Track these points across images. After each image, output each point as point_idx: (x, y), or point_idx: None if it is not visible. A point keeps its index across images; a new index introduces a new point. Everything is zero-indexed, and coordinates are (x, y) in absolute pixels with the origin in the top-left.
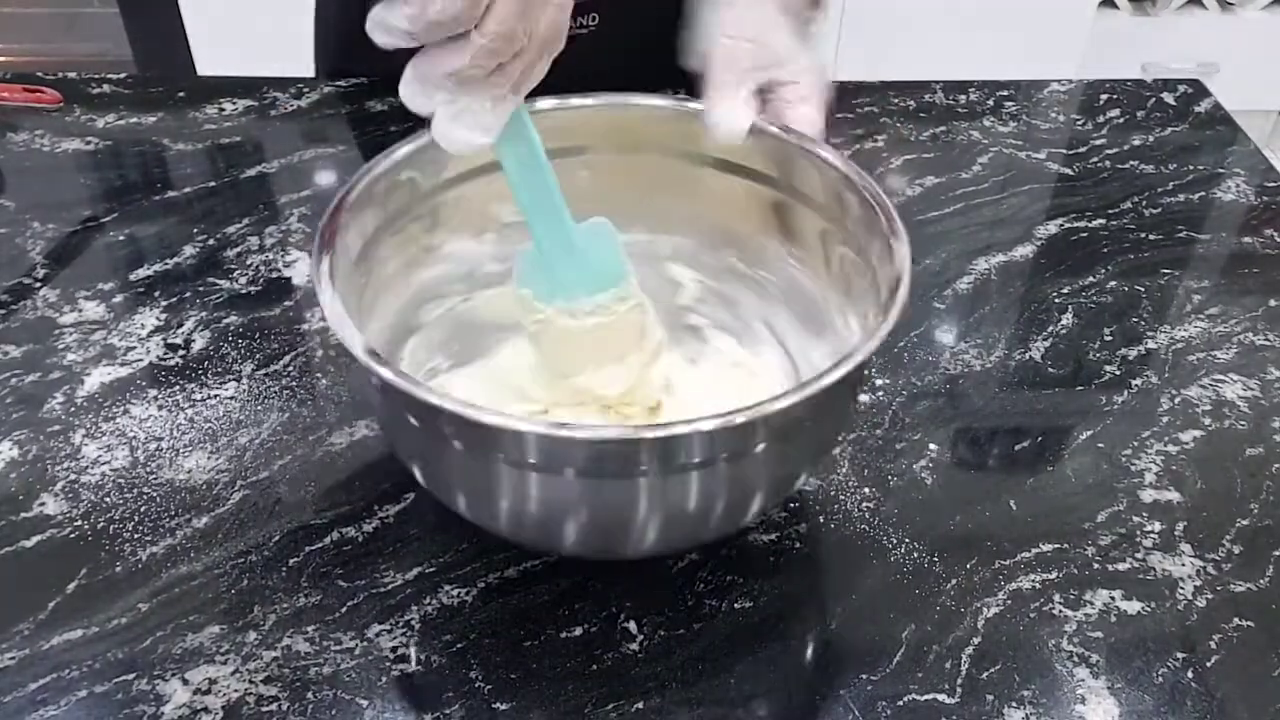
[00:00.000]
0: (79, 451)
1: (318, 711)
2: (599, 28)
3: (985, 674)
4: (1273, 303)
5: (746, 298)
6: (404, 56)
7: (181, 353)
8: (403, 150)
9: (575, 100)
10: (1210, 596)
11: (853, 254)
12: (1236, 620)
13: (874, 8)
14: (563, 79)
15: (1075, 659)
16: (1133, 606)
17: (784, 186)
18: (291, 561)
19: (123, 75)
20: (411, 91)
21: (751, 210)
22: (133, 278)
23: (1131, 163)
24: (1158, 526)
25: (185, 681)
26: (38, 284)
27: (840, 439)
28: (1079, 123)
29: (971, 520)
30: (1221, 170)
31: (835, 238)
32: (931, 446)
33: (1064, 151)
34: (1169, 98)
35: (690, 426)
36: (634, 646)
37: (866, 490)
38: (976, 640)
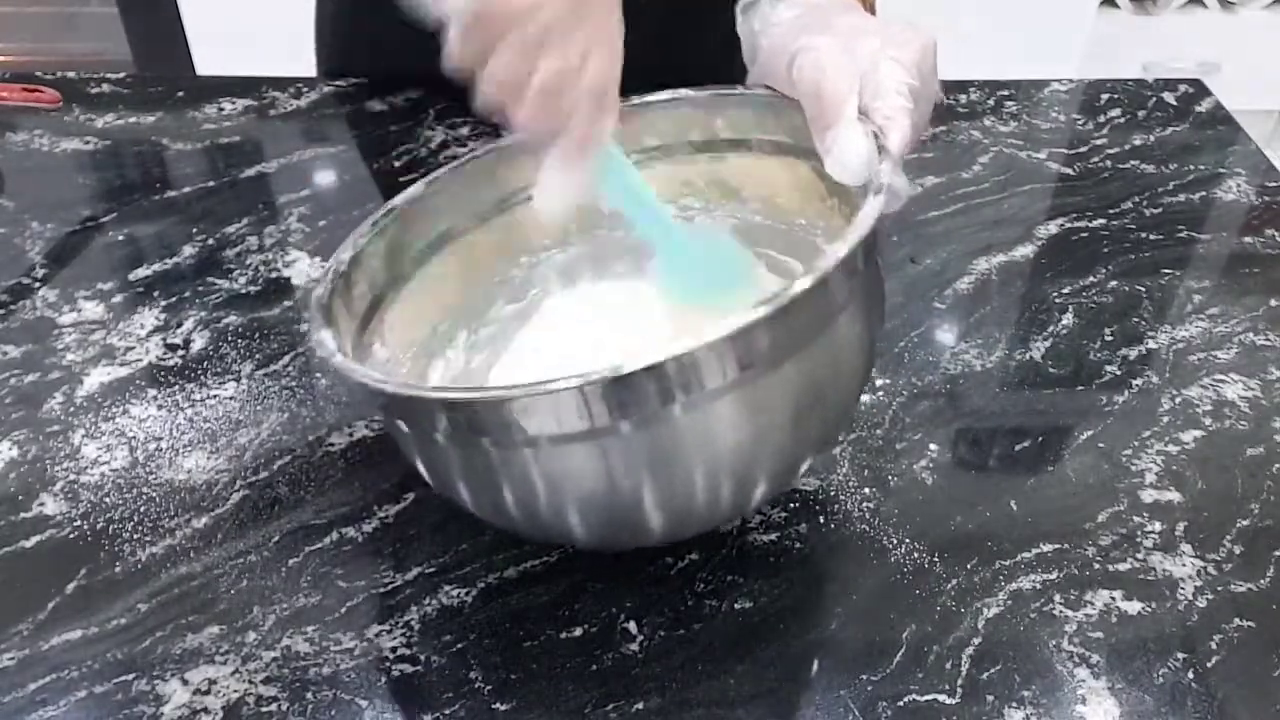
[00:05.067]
0: (78, 451)
1: (317, 712)
2: None
3: (985, 674)
4: (1274, 302)
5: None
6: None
7: (181, 353)
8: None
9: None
10: (1211, 597)
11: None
12: (1237, 621)
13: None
14: None
15: (1076, 659)
16: (1133, 607)
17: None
18: (291, 562)
19: (122, 75)
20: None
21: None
22: (132, 277)
23: (1132, 162)
24: (1158, 527)
25: (185, 682)
26: (37, 284)
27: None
28: (1079, 122)
29: (972, 520)
30: (1222, 170)
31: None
32: (932, 446)
33: (1064, 151)
34: (1170, 97)
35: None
36: (634, 647)
37: (867, 490)
38: (977, 640)
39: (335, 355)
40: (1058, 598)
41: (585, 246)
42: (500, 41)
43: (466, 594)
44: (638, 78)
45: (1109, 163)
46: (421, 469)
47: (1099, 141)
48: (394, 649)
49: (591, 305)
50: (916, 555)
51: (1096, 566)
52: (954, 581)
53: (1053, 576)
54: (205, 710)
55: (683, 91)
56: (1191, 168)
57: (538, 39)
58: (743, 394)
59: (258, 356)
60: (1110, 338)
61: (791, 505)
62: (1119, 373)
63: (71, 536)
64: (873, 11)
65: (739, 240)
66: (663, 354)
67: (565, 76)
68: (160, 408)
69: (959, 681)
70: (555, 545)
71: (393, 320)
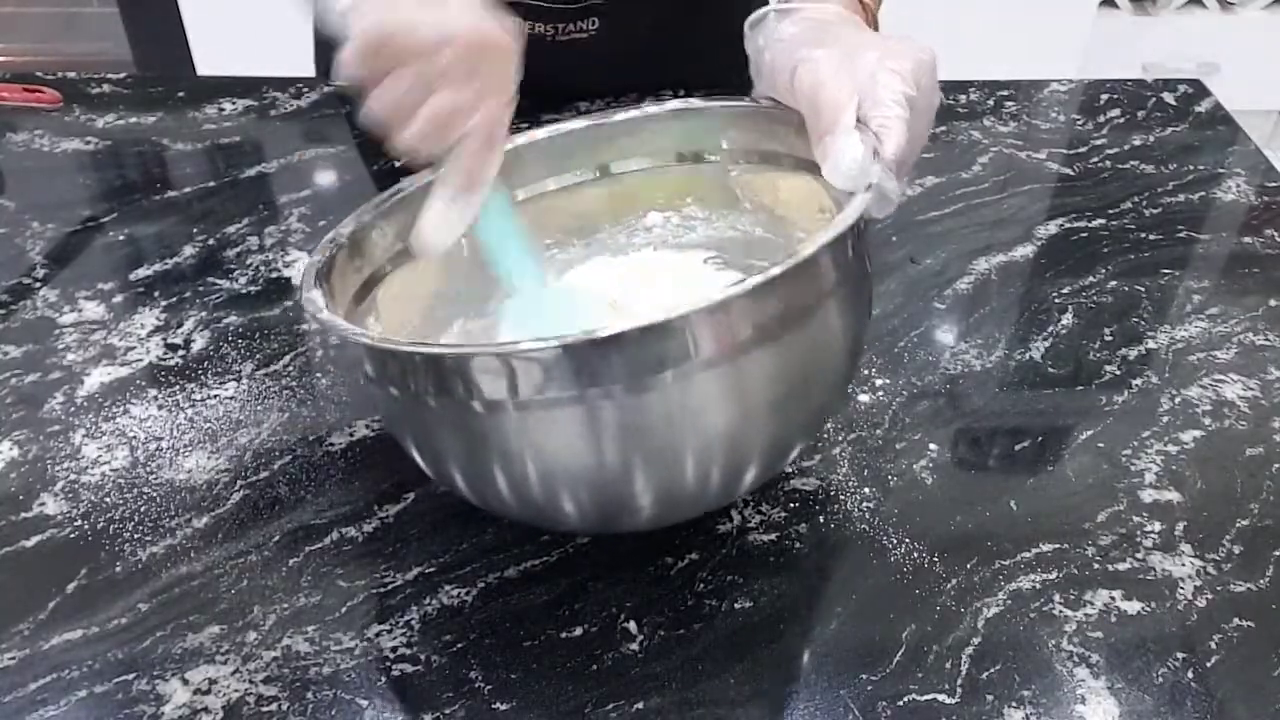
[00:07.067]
0: (79, 451)
1: (317, 711)
2: (599, 33)
3: (985, 674)
4: (1273, 302)
5: None
6: None
7: (181, 353)
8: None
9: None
10: (1210, 597)
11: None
12: (1236, 620)
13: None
14: (563, 83)
15: (1075, 659)
16: (1133, 606)
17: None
18: (291, 562)
19: (122, 75)
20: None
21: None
22: (132, 278)
23: (1132, 162)
24: (1158, 526)
25: (185, 681)
26: (37, 284)
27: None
28: (1079, 123)
29: (972, 520)
30: (1222, 170)
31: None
32: (932, 446)
33: (1064, 151)
34: (1169, 98)
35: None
36: (634, 647)
37: (867, 490)
38: (976, 640)
39: (323, 311)
40: (1057, 597)
41: (585, 247)
42: (400, 67)
43: (466, 594)
44: (646, 77)
45: (1109, 163)
46: (414, 451)
47: (1099, 142)
48: (394, 649)
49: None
50: (916, 555)
51: (1096, 566)
52: (953, 581)
53: (1052, 576)
54: (205, 710)
55: (691, 101)
56: (1191, 168)
57: (437, 73)
58: (727, 370)
59: (258, 356)
60: (1110, 338)
61: (791, 505)
62: (1119, 373)
63: (72, 536)
64: (875, 28)
65: (617, 295)
66: (642, 320)
67: (456, 112)
68: (161, 408)
69: (959, 681)
70: (549, 530)
71: (389, 298)
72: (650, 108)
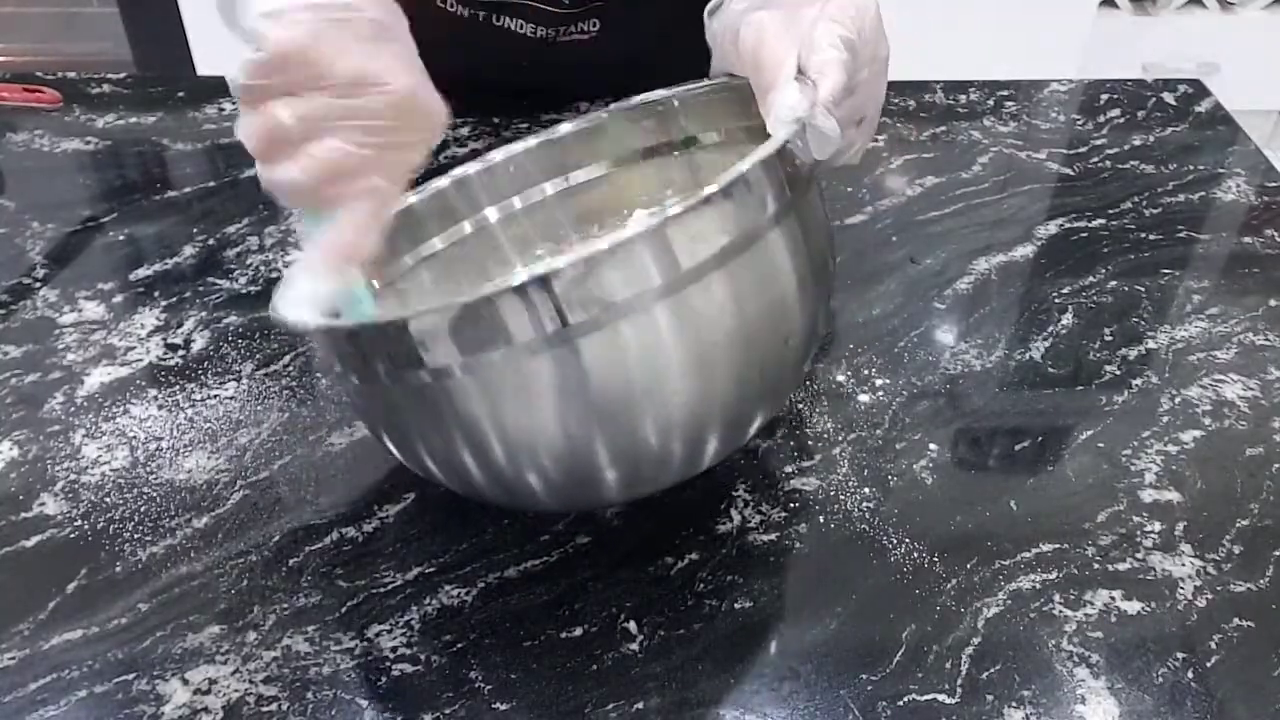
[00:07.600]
0: (79, 451)
1: (317, 711)
2: (599, 34)
3: (985, 674)
4: (1273, 302)
5: None
6: None
7: (181, 353)
8: None
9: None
10: (1210, 597)
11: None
12: (1236, 620)
13: None
14: (564, 85)
15: (1075, 659)
16: (1133, 606)
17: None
18: (291, 561)
19: (122, 75)
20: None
21: None
22: (132, 278)
23: (1132, 163)
24: (1158, 526)
25: (185, 681)
26: (37, 284)
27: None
28: (1079, 123)
29: (972, 520)
30: (1222, 170)
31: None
32: (931, 446)
33: (1064, 151)
34: (1169, 98)
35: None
36: (634, 646)
37: (866, 490)
38: (976, 640)
39: (275, 310)
40: (1057, 597)
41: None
42: (310, 90)
43: (466, 594)
44: (647, 78)
45: (1109, 163)
46: (385, 439)
47: (1099, 142)
48: (394, 649)
49: None
50: (916, 555)
51: (1096, 566)
52: (954, 581)
53: (1052, 576)
54: (205, 710)
55: (657, 93)
56: (1191, 168)
57: (350, 112)
58: (672, 304)
59: (258, 356)
60: (1110, 338)
61: (791, 505)
62: (1119, 373)
63: (72, 536)
64: None
65: None
66: (578, 256)
67: (358, 164)
68: (161, 408)
69: (959, 681)
70: (525, 510)
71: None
72: (622, 103)
